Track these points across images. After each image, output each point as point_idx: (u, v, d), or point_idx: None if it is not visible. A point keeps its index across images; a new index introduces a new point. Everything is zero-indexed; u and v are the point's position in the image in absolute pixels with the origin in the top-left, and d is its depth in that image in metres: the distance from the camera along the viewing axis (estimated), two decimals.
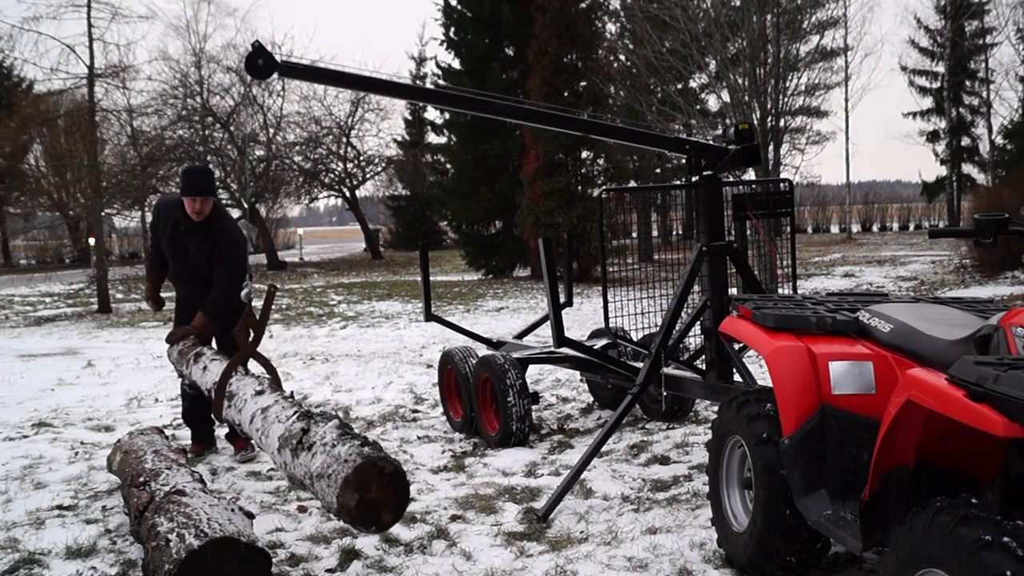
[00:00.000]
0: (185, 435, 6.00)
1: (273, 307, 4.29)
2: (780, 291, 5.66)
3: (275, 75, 4.64)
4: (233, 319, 5.39)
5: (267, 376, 4.35)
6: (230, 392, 4.15)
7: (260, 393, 3.87)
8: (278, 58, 4.57)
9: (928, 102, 34.96)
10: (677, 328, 5.02)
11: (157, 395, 7.90)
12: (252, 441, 3.89)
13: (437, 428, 6.34)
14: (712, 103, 27.20)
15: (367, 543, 4.00)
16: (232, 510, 3.61)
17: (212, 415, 4.36)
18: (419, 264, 6.92)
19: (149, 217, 30.22)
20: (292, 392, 4.02)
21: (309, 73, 4.76)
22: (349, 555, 3.88)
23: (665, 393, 5.19)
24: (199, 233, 5.40)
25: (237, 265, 5.39)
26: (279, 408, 3.54)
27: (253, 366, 4.63)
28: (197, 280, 5.54)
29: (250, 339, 4.29)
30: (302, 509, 4.54)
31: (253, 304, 4.28)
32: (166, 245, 5.54)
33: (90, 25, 15.72)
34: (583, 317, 12.39)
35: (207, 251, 5.39)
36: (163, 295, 5.98)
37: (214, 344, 5.52)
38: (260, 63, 4.47)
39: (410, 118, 38.84)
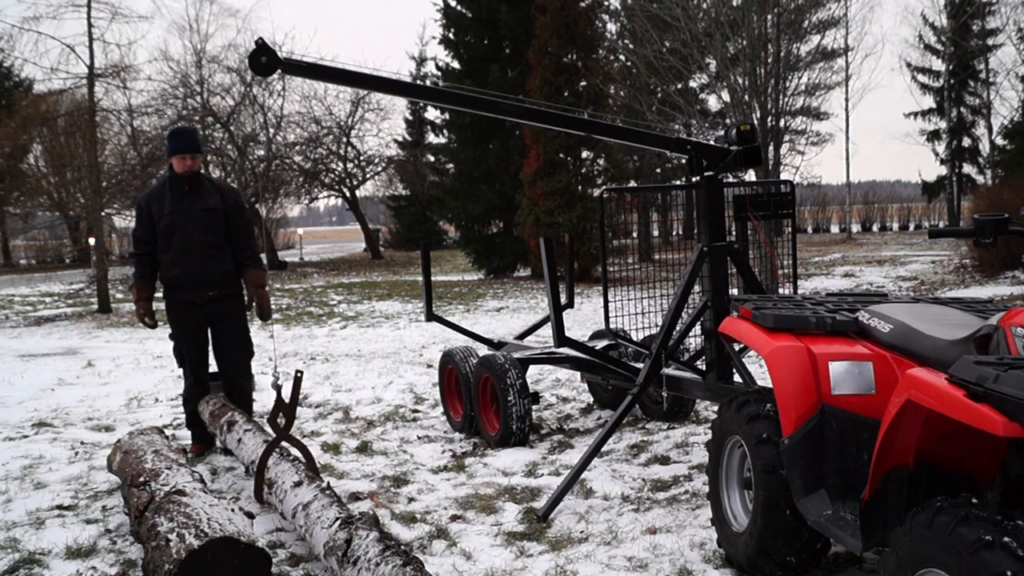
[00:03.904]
0: (185, 435, 6.00)
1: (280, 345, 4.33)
2: (780, 291, 5.66)
3: (278, 72, 4.65)
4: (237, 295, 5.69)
5: (303, 460, 4.35)
6: (269, 480, 4.20)
7: (299, 484, 3.92)
8: (281, 56, 4.58)
9: (929, 101, 35.01)
10: (677, 328, 5.02)
11: (157, 395, 7.90)
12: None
13: (437, 428, 6.34)
14: (712, 103, 27.25)
15: None
16: (232, 510, 3.61)
17: (254, 497, 4.43)
18: (420, 264, 6.91)
19: None
20: (328, 482, 4.04)
21: (312, 70, 4.77)
22: None
23: (665, 393, 5.19)
24: (199, 197, 5.52)
25: (246, 216, 5.89)
26: (319, 506, 3.63)
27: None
28: (195, 250, 5.49)
29: (282, 424, 4.36)
30: None
31: (283, 388, 4.37)
32: (164, 229, 5.49)
33: (90, 25, 15.73)
34: (583, 317, 12.38)
35: (212, 206, 5.53)
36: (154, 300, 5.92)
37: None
38: (263, 60, 4.49)
39: (411, 118, 38.85)
